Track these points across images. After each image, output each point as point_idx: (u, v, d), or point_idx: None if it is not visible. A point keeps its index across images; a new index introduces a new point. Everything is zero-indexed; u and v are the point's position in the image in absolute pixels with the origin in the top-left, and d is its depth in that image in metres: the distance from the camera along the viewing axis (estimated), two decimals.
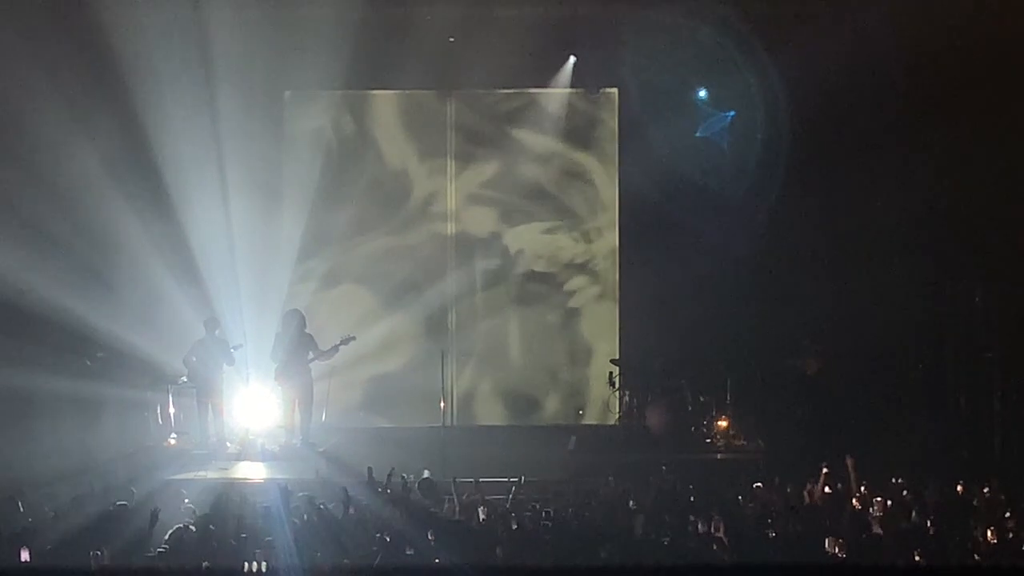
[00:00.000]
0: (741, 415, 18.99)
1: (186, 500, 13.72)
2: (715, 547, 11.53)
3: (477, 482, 14.33)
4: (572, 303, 21.33)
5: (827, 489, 13.64)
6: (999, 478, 13.92)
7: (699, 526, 12.06)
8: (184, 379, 18.78)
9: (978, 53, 18.44)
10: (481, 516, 12.85)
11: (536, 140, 21.13)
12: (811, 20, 18.82)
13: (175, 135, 19.40)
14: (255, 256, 20.19)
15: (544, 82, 20.88)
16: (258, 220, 20.36)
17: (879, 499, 13.09)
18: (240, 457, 18.11)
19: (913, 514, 12.67)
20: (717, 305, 19.64)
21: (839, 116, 19.25)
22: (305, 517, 12.48)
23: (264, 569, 11.03)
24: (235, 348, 18.69)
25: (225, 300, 19.52)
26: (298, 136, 21.06)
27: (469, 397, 21.14)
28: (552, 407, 21.19)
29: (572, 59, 20.62)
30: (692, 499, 13.59)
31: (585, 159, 21.26)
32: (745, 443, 18.56)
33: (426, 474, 14.77)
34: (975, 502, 13.23)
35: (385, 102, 21.35)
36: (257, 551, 11.27)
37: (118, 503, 12.89)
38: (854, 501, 13.26)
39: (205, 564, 10.99)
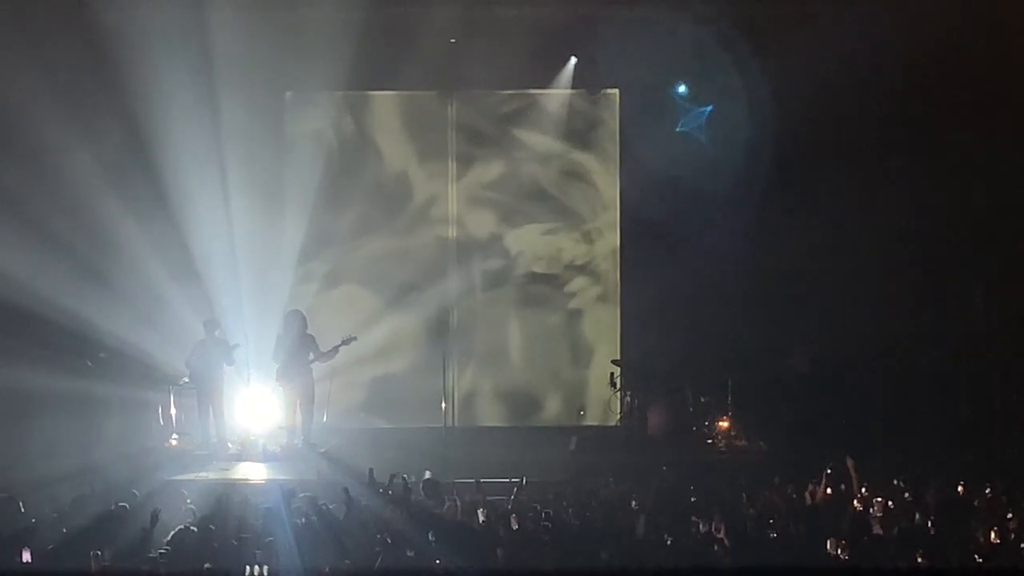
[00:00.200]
0: (742, 416, 18.97)
1: (187, 501, 13.71)
2: (716, 548, 11.53)
3: (478, 483, 14.32)
4: (573, 304, 21.33)
5: (828, 490, 13.62)
6: (1000, 479, 13.92)
7: (700, 527, 12.06)
8: (186, 380, 18.79)
9: (977, 54, 18.45)
10: (482, 517, 12.85)
11: (537, 141, 21.14)
12: (812, 22, 18.82)
13: (176, 136, 19.39)
14: (256, 257, 20.19)
15: (545, 83, 20.88)
16: (259, 221, 20.36)
17: (880, 500, 13.08)
18: (241, 458, 18.10)
19: (915, 515, 12.66)
20: (718, 306, 19.64)
21: (841, 119, 19.26)
22: (306, 519, 12.47)
23: (265, 571, 11.03)
24: (233, 347, 18.69)
25: (226, 301, 19.53)
26: (299, 137, 21.05)
27: (470, 398, 21.14)
28: (553, 408, 21.19)
29: (573, 60, 20.61)
30: (693, 500, 13.59)
31: (586, 160, 21.26)
32: (746, 444, 18.56)
33: (427, 475, 14.76)
34: (976, 503, 13.22)
35: (386, 103, 21.35)
36: (258, 552, 11.27)
37: (119, 504, 12.89)
38: (855, 502, 13.25)
39: (207, 565, 10.98)
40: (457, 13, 19.35)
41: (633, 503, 13.40)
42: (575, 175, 21.25)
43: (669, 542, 11.78)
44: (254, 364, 19.01)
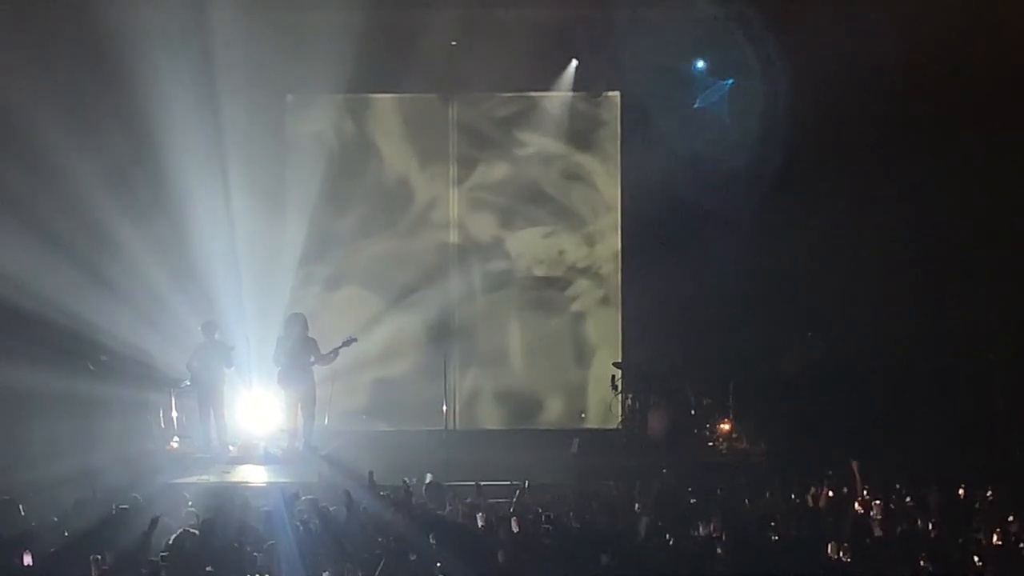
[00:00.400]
0: (743, 418, 18.96)
1: (188, 504, 13.70)
2: (717, 551, 11.51)
3: (478, 485, 14.31)
4: (574, 307, 21.33)
5: (830, 493, 13.61)
6: (1002, 481, 13.90)
7: (701, 530, 12.05)
8: (187, 383, 18.79)
9: (979, 54, 18.45)
10: (483, 520, 12.83)
11: (538, 144, 21.14)
12: (814, 22, 18.82)
13: (177, 138, 19.39)
14: (257, 259, 20.19)
15: (546, 86, 20.89)
16: (260, 223, 20.37)
17: (882, 503, 13.06)
18: (242, 461, 18.10)
19: (916, 518, 12.64)
20: (719, 308, 19.63)
21: (842, 119, 19.23)
22: (308, 522, 12.45)
23: (267, 574, 11.02)
24: (231, 349, 18.69)
25: (227, 303, 19.53)
26: (300, 140, 21.06)
27: (471, 400, 21.14)
28: (554, 410, 21.19)
29: (574, 62, 20.62)
30: (694, 502, 13.58)
31: (587, 163, 21.26)
32: (748, 446, 18.55)
33: (429, 478, 14.75)
34: (978, 505, 13.20)
35: (387, 106, 21.36)
36: (258, 555, 11.25)
37: (120, 507, 12.88)
38: (857, 505, 13.24)
39: (208, 569, 10.97)
40: (458, 16, 19.38)
41: (636, 506, 13.39)
42: (576, 177, 21.25)
43: (670, 545, 11.76)
44: (255, 367, 19.02)
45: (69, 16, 19.04)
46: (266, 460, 18.05)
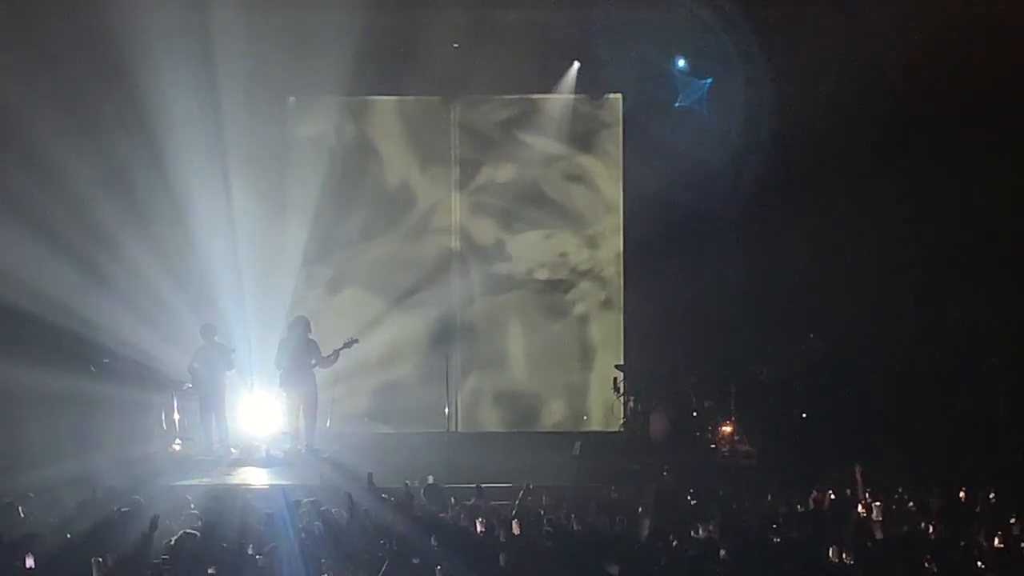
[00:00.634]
0: (745, 421, 18.95)
1: (191, 506, 13.69)
2: (719, 553, 11.50)
3: (479, 487, 14.27)
4: (576, 309, 21.33)
5: (832, 495, 13.60)
6: (1004, 483, 13.89)
7: (702, 532, 12.04)
8: (189, 386, 18.80)
9: (979, 55, 18.45)
10: (486, 523, 12.82)
11: (540, 146, 21.15)
12: (814, 24, 18.82)
13: (179, 140, 19.41)
14: (259, 261, 20.20)
15: (548, 88, 20.89)
16: (262, 225, 20.40)
17: (883, 505, 13.05)
18: (244, 463, 18.11)
19: (917, 520, 12.63)
20: (721, 310, 19.62)
21: (842, 120, 19.24)
22: (310, 525, 12.45)
23: None
24: (231, 351, 18.70)
25: (229, 305, 19.53)
26: (302, 142, 21.06)
27: (473, 403, 21.14)
28: (556, 413, 21.19)
29: (576, 65, 20.61)
30: (695, 504, 13.56)
31: (589, 165, 21.27)
32: (749, 449, 18.53)
33: (430, 480, 14.75)
34: (979, 508, 13.19)
35: (389, 108, 21.36)
36: (259, 557, 11.25)
37: (122, 509, 12.88)
38: (859, 507, 13.22)
39: (210, 571, 10.96)
40: (459, 18, 19.37)
41: (640, 508, 13.38)
42: (578, 180, 21.26)
43: (671, 547, 11.75)
44: (257, 369, 19.03)
45: (71, 18, 19.05)
46: (268, 462, 18.06)
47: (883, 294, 19.17)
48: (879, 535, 12.20)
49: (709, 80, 20.32)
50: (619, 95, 21.00)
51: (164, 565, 11.10)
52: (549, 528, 12.39)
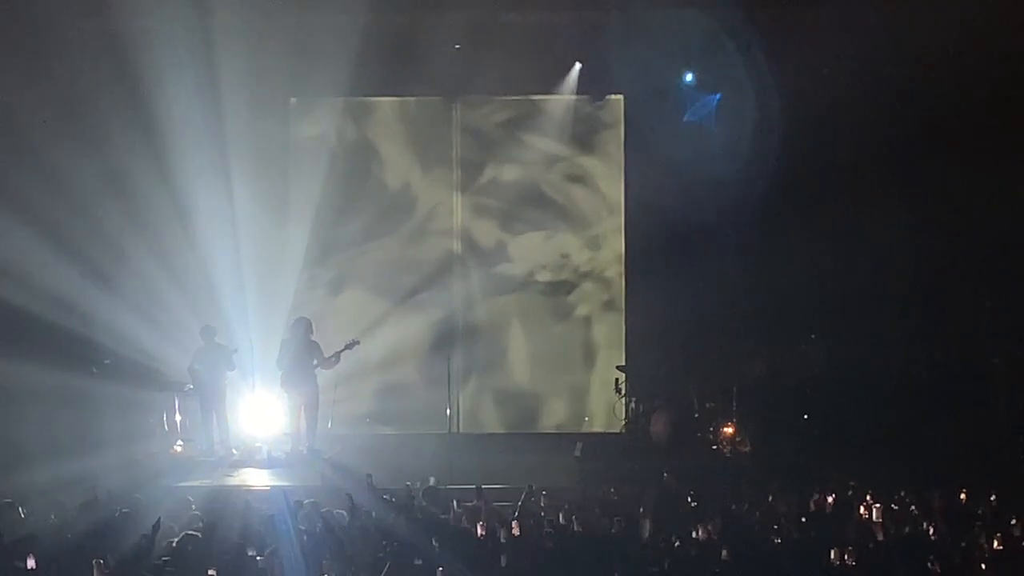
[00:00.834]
0: (747, 422, 18.94)
1: (192, 507, 13.69)
2: (720, 555, 11.50)
3: (479, 488, 14.26)
4: (578, 310, 21.32)
5: (830, 499, 13.59)
6: (1005, 484, 13.89)
7: (703, 533, 12.04)
8: (190, 387, 18.80)
9: (982, 68, 18.47)
10: (487, 524, 12.82)
11: (542, 147, 21.14)
12: (819, 29, 18.84)
13: (181, 141, 19.42)
14: (261, 262, 20.21)
15: (549, 89, 20.87)
16: (264, 226, 20.40)
17: (885, 507, 13.05)
18: (245, 464, 18.12)
19: (919, 522, 12.63)
20: (723, 311, 19.61)
21: (847, 125, 19.22)
22: (311, 526, 12.46)
23: None
24: (232, 352, 18.70)
25: (231, 306, 19.54)
26: (304, 143, 21.07)
27: (475, 404, 21.13)
28: (558, 414, 21.18)
29: (578, 66, 20.60)
30: (696, 506, 13.56)
31: (591, 166, 21.26)
32: (751, 450, 18.51)
33: (432, 481, 14.74)
34: (980, 510, 13.18)
35: (391, 109, 21.36)
36: (260, 558, 11.25)
37: (123, 510, 12.88)
38: (860, 509, 13.22)
39: (211, 572, 10.96)
40: (461, 19, 19.39)
41: (641, 509, 13.38)
42: (579, 181, 21.25)
43: (672, 548, 11.75)
44: (259, 370, 19.03)
45: (74, 20, 19.06)
46: (269, 463, 18.07)
47: (884, 294, 19.16)
48: (880, 536, 12.20)
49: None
50: (620, 96, 20.98)
51: (165, 566, 11.10)
52: (550, 529, 12.39)
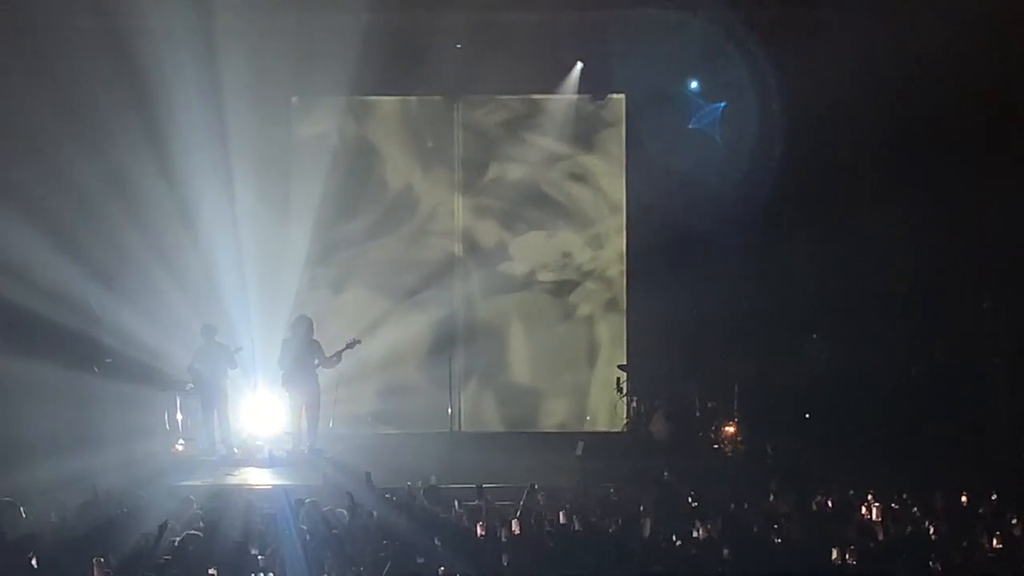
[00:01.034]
0: (748, 421, 18.94)
1: (193, 506, 13.70)
2: (721, 554, 11.51)
3: (479, 487, 14.26)
4: (579, 309, 21.33)
5: (829, 501, 13.59)
6: (1006, 484, 13.89)
7: (704, 532, 12.04)
8: (191, 386, 18.80)
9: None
10: (488, 523, 12.83)
11: (543, 146, 21.14)
12: (820, 26, 18.84)
13: (183, 140, 19.44)
14: (263, 261, 20.20)
15: (551, 88, 20.87)
16: (266, 225, 20.40)
17: (885, 506, 13.05)
18: (247, 463, 18.12)
19: (921, 521, 12.63)
20: (724, 310, 19.60)
21: (849, 126, 19.23)
22: (312, 525, 12.46)
23: None
24: (236, 351, 18.72)
25: (233, 305, 19.55)
26: (305, 142, 21.07)
27: (477, 403, 21.13)
28: (560, 413, 21.18)
29: (579, 65, 20.60)
30: (697, 505, 13.57)
31: (592, 164, 21.26)
32: (752, 449, 18.51)
33: (433, 480, 14.75)
34: (982, 509, 13.19)
35: (392, 108, 21.36)
36: (261, 558, 11.26)
37: (124, 509, 12.88)
38: (862, 508, 13.22)
39: (211, 571, 10.97)
40: (463, 18, 19.38)
41: (641, 508, 13.39)
42: (581, 180, 21.25)
43: (673, 548, 11.76)
44: (260, 369, 19.04)
45: (76, 20, 19.08)
46: (271, 462, 18.07)
47: (884, 294, 19.15)
48: (883, 536, 12.21)
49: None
50: (622, 95, 20.98)
51: (166, 565, 11.11)
52: (551, 528, 12.40)
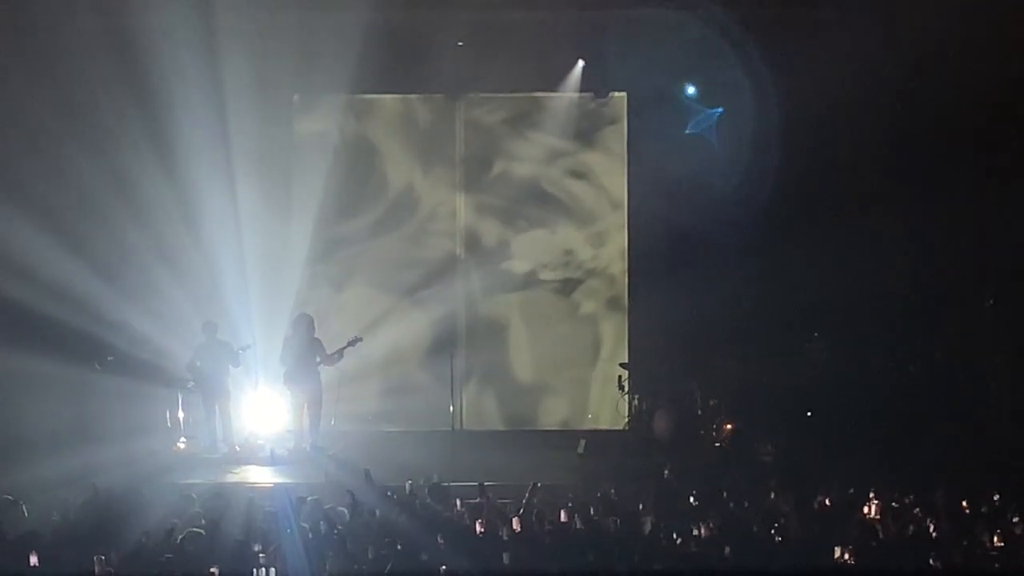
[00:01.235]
0: (749, 420, 18.96)
1: (195, 504, 13.73)
2: (721, 552, 11.53)
3: (481, 486, 14.29)
4: (581, 307, 21.33)
5: (835, 495, 13.61)
6: (1007, 483, 13.90)
7: (704, 531, 12.06)
8: (192, 384, 18.81)
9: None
10: (490, 521, 12.85)
11: (545, 144, 21.14)
12: (820, 26, 18.85)
13: (185, 138, 19.45)
14: (265, 259, 20.22)
15: (553, 86, 20.87)
16: (268, 223, 20.40)
17: (887, 504, 13.06)
18: (249, 461, 18.13)
19: (922, 520, 12.64)
20: (726, 309, 19.62)
21: (850, 126, 19.23)
22: (314, 523, 12.49)
23: (272, 574, 11.05)
24: (243, 349, 18.74)
25: (234, 303, 19.57)
26: (307, 140, 21.08)
27: (478, 401, 21.14)
28: (561, 411, 21.18)
29: (581, 63, 20.61)
30: (698, 503, 13.59)
31: (594, 162, 21.27)
32: (753, 447, 18.52)
33: (435, 478, 14.77)
34: (983, 508, 13.20)
35: (394, 106, 21.37)
36: (262, 556, 11.28)
37: (126, 508, 12.90)
38: (862, 507, 13.24)
39: (213, 570, 11.00)
40: (464, 16, 19.38)
41: (640, 506, 13.41)
42: (583, 178, 21.26)
43: (674, 546, 11.78)
44: (262, 367, 19.06)
45: (77, 19, 19.09)
46: (272, 461, 18.07)
47: (884, 294, 19.17)
48: (884, 535, 12.22)
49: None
50: (624, 93, 20.99)
51: (168, 564, 11.14)
52: (551, 526, 12.42)
